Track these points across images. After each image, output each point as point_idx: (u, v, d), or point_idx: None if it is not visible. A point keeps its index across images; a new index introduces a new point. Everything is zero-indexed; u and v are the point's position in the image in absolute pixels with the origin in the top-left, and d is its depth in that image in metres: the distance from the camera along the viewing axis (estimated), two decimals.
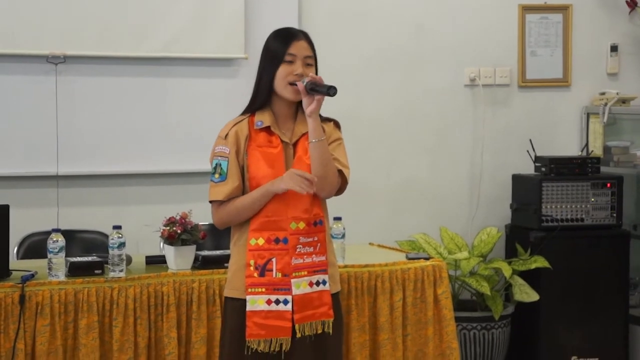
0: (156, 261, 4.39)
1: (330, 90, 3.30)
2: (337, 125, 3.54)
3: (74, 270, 4.08)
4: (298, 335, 3.35)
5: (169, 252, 4.29)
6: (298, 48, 3.40)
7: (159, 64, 5.62)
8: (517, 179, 6.10)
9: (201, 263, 4.29)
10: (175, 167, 5.64)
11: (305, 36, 3.45)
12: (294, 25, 5.62)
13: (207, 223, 4.48)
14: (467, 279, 5.63)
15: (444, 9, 6.19)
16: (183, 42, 5.61)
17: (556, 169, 5.93)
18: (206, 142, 5.59)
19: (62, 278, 4.03)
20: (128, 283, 4.09)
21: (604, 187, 5.93)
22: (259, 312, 3.34)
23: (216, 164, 3.44)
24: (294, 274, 3.35)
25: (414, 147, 6.18)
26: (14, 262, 4.44)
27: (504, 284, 5.84)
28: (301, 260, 3.36)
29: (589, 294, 5.84)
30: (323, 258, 3.40)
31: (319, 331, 3.38)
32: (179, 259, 4.26)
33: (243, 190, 3.42)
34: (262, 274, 3.35)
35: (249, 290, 3.35)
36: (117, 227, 4.14)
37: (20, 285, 3.92)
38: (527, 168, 6.12)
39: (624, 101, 6.27)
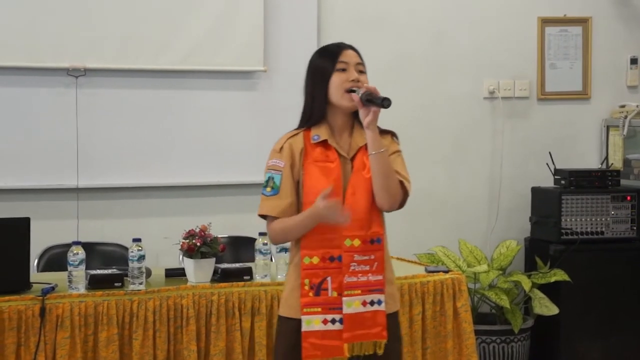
0: (176, 274, 4.40)
1: (385, 102, 3.23)
2: (394, 136, 3.46)
3: (94, 283, 4.09)
4: (347, 355, 3.26)
5: (189, 264, 4.29)
6: (349, 56, 3.34)
7: (178, 77, 5.64)
8: (537, 192, 6.08)
9: (220, 276, 4.28)
10: (195, 179, 5.64)
11: (352, 47, 3.39)
12: (314, 35, 5.69)
13: (226, 236, 4.49)
14: (487, 292, 5.62)
15: (463, 21, 6.19)
16: (202, 54, 5.63)
17: (576, 181, 5.92)
18: (225, 154, 5.65)
19: (82, 291, 4.04)
20: (148, 296, 4.09)
21: (624, 200, 5.91)
22: (315, 332, 3.25)
23: (269, 177, 3.31)
24: (345, 292, 3.25)
25: (432, 158, 6.17)
26: (34, 275, 4.45)
27: (523, 297, 5.82)
28: (355, 279, 3.26)
29: (609, 308, 5.82)
30: (380, 277, 3.29)
31: (369, 352, 3.29)
32: (198, 271, 4.27)
33: (298, 205, 3.31)
34: (317, 294, 3.25)
35: (304, 310, 3.26)
36: (137, 240, 4.15)
37: (41, 297, 3.93)
38: (547, 181, 6.10)
39: None
